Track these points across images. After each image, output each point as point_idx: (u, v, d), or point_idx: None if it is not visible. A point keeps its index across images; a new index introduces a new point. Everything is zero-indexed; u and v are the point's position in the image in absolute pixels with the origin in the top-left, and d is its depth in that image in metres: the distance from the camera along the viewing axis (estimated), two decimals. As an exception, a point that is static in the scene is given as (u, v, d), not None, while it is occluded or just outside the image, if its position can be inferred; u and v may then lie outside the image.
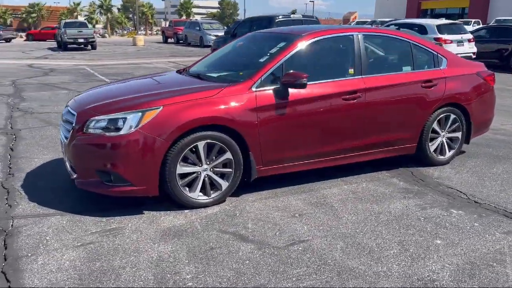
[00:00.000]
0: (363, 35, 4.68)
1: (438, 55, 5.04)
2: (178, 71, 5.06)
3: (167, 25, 43.38)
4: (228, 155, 3.91)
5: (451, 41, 14.06)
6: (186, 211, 3.84)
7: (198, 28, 29.97)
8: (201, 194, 3.91)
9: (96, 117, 3.72)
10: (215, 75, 4.59)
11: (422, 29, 14.26)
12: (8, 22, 61.24)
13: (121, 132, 3.60)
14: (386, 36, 4.97)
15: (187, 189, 3.84)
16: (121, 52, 25.86)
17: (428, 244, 3.30)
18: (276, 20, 11.36)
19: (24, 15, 56.14)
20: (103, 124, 3.67)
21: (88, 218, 3.68)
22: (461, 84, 5.09)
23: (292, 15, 12.01)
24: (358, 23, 35.17)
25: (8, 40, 38.66)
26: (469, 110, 5.13)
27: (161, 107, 3.68)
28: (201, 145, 3.77)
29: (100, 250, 3.17)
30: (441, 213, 3.86)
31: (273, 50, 4.37)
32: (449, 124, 5.08)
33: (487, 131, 5.77)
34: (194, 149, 3.79)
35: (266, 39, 5.00)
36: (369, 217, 3.76)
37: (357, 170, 4.88)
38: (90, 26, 30.57)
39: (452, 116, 5.07)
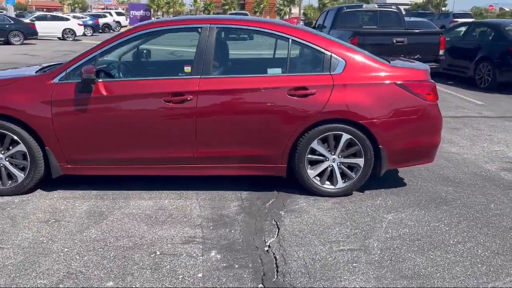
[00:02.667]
0: (219, 28, 3.94)
1: (333, 56, 3.90)
2: None
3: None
4: (21, 147, 3.84)
5: None
6: (-20, 196, 3.94)
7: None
8: (-2, 182, 3.95)
9: None
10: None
11: None
12: (211, 13, 69.04)
13: None
14: (255, 30, 4.04)
15: (-18, 175, 3.92)
16: (268, 43, 26.66)
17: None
18: (343, 11, 10.10)
19: (222, 7, 62.82)
20: None
21: None
22: (360, 95, 3.86)
23: (364, 5, 10.43)
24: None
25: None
26: (375, 131, 3.86)
27: None
28: (-13, 134, 3.80)
29: None
30: (174, 251, 3.09)
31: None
32: (340, 146, 3.93)
33: (429, 162, 4.26)
34: (-16, 138, 3.83)
35: None
36: (90, 236, 3.27)
37: (224, 185, 4.21)
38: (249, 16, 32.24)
39: (346, 137, 3.89)
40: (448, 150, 5.58)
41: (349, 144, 3.93)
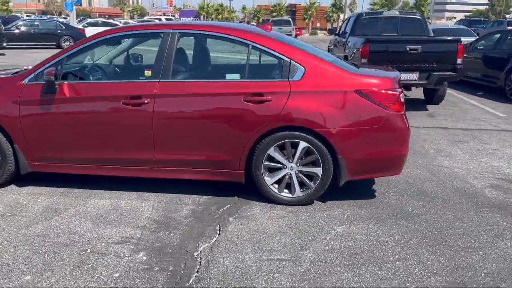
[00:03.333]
0: (181, 33, 3.99)
1: (292, 62, 3.84)
2: None
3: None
4: (-10, 144, 4.06)
5: None
6: (-44, 188, 4.20)
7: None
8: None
9: None
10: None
11: None
12: (261, 20, 69.64)
13: None
14: (215, 35, 4.04)
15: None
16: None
17: None
18: (361, 18, 9.80)
19: (271, 13, 63.32)
20: None
21: None
22: (317, 103, 3.77)
23: (384, 12, 10.05)
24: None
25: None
26: (332, 140, 3.76)
27: None
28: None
29: None
30: (105, 250, 3.14)
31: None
32: (298, 154, 3.85)
33: (395, 174, 4.09)
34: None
35: None
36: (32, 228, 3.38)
37: (187, 188, 4.24)
38: (292, 23, 32.16)
39: (303, 145, 3.82)
40: (440, 164, 5.32)
41: (308, 152, 3.85)
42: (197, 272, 2.92)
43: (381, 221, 3.73)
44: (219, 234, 3.44)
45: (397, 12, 9.91)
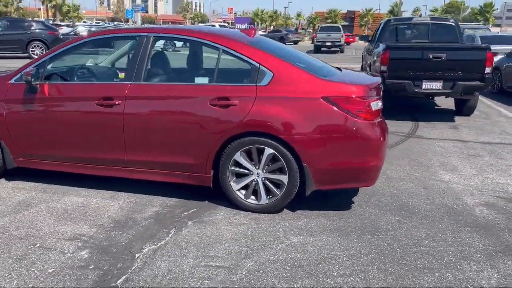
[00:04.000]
0: (156, 36, 4.04)
1: (261, 67, 3.77)
2: None
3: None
4: (-23, 140, 4.31)
5: None
6: (-49, 179, 4.50)
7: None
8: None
9: None
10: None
11: None
12: (316, 27, 69.30)
13: None
14: (187, 39, 4.05)
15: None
16: (354, 56, 25.99)
17: (-44, 263, 2.97)
18: (390, 24, 9.39)
19: (326, 20, 62.87)
20: None
21: None
22: (283, 109, 3.67)
23: (414, 18, 9.54)
24: None
25: (295, 42, 44.04)
26: (297, 147, 3.65)
27: None
28: None
29: None
30: (53, 245, 3.21)
31: (57, 48, 4.38)
32: (264, 160, 3.77)
33: (367, 186, 3.90)
34: None
35: None
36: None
37: (162, 190, 4.28)
38: (342, 30, 31.61)
39: (269, 151, 3.73)
40: (439, 178, 5.00)
41: (274, 159, 3.76)
42: (129, 273, 2.92)
43: (344, 234, 3.56)
44: (169, 237, 3.43)
45: (428, 18, 9.45)
